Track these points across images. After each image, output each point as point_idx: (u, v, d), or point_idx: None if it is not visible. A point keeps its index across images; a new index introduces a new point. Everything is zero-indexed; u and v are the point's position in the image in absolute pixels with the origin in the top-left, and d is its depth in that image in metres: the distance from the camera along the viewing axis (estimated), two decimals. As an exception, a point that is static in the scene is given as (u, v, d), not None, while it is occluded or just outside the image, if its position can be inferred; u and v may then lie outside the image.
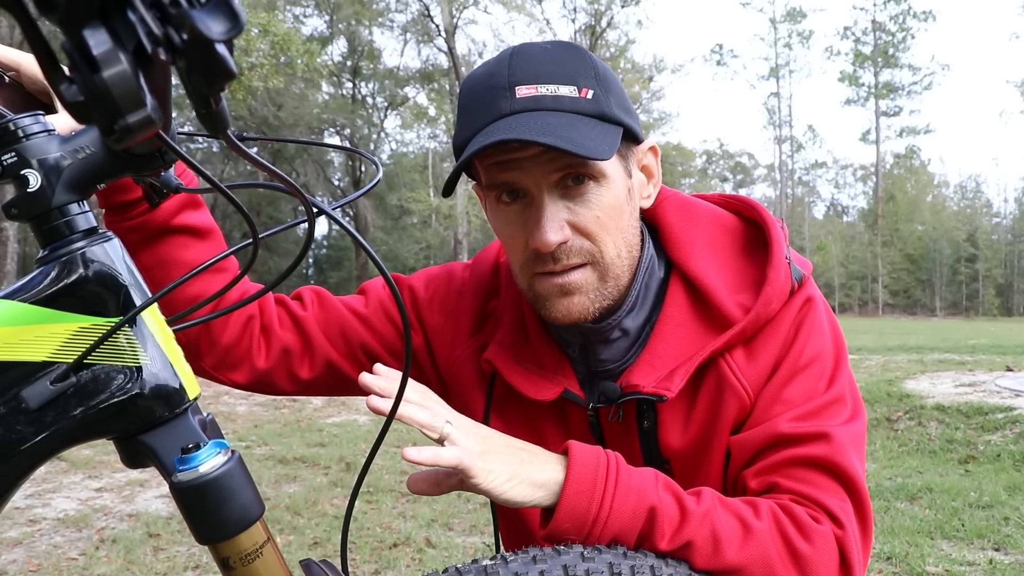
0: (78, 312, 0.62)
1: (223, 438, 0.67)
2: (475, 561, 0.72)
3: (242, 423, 6.79)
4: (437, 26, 25.61)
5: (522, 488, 0.77)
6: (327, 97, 28.76)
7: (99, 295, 0.63)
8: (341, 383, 1.08)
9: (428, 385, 1.09)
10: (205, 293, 0.98)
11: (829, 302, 0.99)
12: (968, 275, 52.30)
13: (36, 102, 0.86)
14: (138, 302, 0.64)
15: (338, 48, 30.90)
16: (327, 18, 28.66)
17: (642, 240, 0.95)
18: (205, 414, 0.69)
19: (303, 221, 0.66)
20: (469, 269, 1.09)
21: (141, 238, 0.96)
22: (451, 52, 24.69)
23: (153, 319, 0.66)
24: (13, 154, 0.62)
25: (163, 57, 0.35)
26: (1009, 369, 7.20)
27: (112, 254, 0.64)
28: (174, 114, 0.48)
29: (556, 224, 0.84)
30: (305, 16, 28.11)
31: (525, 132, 0.79)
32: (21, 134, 0.63)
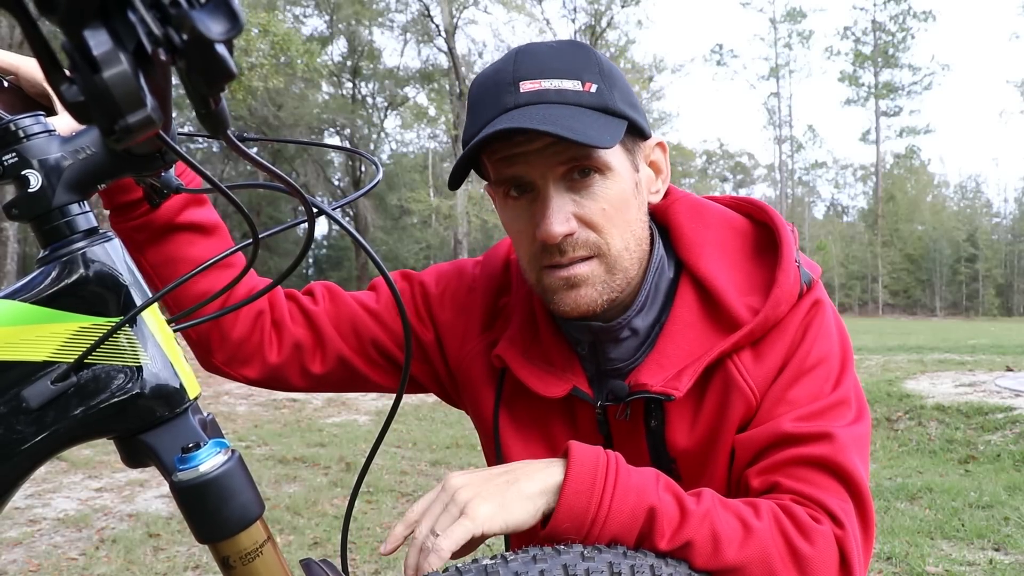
0: (78, 312, 0.63)
1: (223, 438, 0.67)
2: (475, 560, 0.72)
3: (242, 423, 6.79)
4: (437, 26, 25.61)
5: (519, 507, 0.77)
6: (327, 97, 28.77)
7: (99, 295, 0.63)
8: (352, 378, 1.08)
9: (438, 380, 1.10)
10: (213, 289, 0.98)
11: (829, 302, 0.99)
12: (968, 275, 52.30)
13: (35, 106, 0.86)
14: (138, 302, 0.64)
15: (338, 48, 30.94)
16: (327, 18, 28.68)
17: (652, 240, 0.95)
18: (205, 414, 0.69)
19: (303, 221, 0.67)
20: (480, 266, 1.10)
21: (147, 237, 0.96)
22: (451, 52, 24.70)
23: (153, 319, 0.66)
24: (14, 154, 0.62)
25: (163, 57, 0.35)
26: (1009, 369, 7.20)
27: (112, 254, 0.64)
28: (174, 114, 0.48)
29: (562, 216, 0.85)
30: (305, 16, 28.15)
31: (528, 122, 0.80)
32: (22, 134, 0.63)
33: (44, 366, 0.62)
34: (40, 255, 0.65)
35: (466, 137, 0.88)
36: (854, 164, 61.16)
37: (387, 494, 4.34)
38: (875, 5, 50.80)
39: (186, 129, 0.95)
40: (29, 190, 0.62)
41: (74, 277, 0.62)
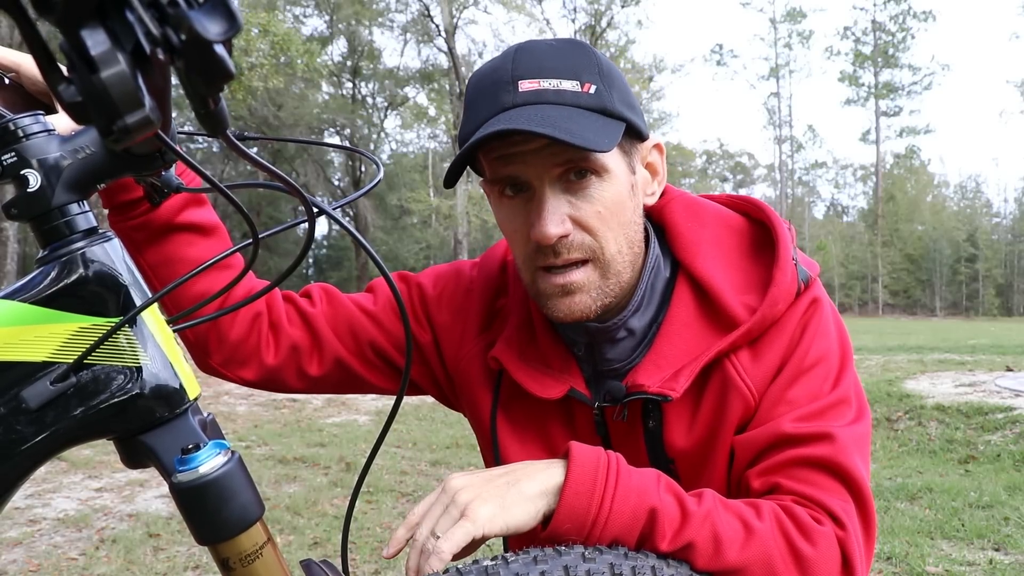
0: (78, 312, 0.62)
1: (223, 438, 0.67)
2: (476, 561, 0.72)
3: (242, 423, 6.78)
4: (437, 26, 25.61)
5: (521, 508, 0.77)
6: (327, 97, 28.77)
7: (99, 295, 0.63)
8: (350, 380, 1.08)
9: (436, 382, 1.10)
10: (211, 290, 0.98)
11: (829, 302, 0.99)
12: (968, 275, 52.29)
13: (36, 103, 0.86)
14: (138, 302, 0.64)
15: (338, 48, 30.93)
16: (327, 18, 28.67)
17: (647, 240, 0.95)
18: (205, 414, 0.69)
19: (303, 221, 0.66)
20: (477, 267, 1.09)
21: (146, 237, 0.96)
22: (451, 52, 24.69)
23: (153, 319, 0.66)
24: (13, 154, 0.62)
25: (161, 57, 0.35)
26: (1009, 369, 7.20)
27: (112, 254, 0.64)
28: (174, 114, 0.48)
29: (557, 217, 0.84)
30: (305, 16, 28.14)
31: (525, 123, 0.79)
32: (21, 134, 0.63)
33: (43, 366, 0.62)
34: (39, 255, 0.64)
35: (463, 134, 0.88)
36: (854, 164, 61.25)
37: (387, 494, 4.34)
38: (875, 5, 50.79)
39: (187, 129, 0.94)
40: (28, 190, 0.62)
41: (73, 277, 0.62)
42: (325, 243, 41.11)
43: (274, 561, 0.65)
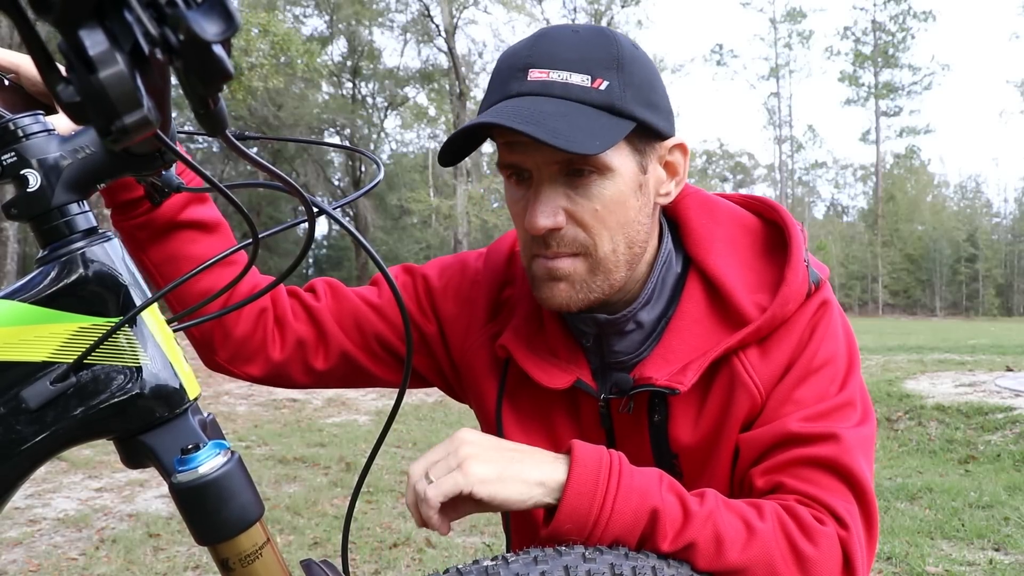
0: (78, 312, 0.62)
1: (224, 438, 0.67)
2: (476, 562, 0.72)
3: (242, 423, 6.78)
4: (437, 26, 25.59)
5: (516, 487, 0.77)
6: (327, 97, 28.76)
7: (99, 295, 0.63)
8: (356, 374, 1.08)
9: (442, 373, 1.10)
10: (215, 287, 0.99)
11: (830, 302, 0.99)
12: (968, 275, 52.28)
13: (37, 104, 0.86)
14: (138, 302, 0.64)
15: (338, 48, 30.91)
16: (327, 18, 28.66)
17: (661, 234, 0.95)
18: (206, 414, 0.69)
19: (303, 221, 0.66)
20: (483, 258, 1.10)
21: (149, 235, 0.96)
22: (451, 52, 24.68)
23: (153, 319, 0.66)
24: (13, 154, 0.62)
25: (160, 58, 0.35)
26: (1009, 369, 7.19)
27: (112, 254, 0.64)
28: (174, 114, 0.47)
29: (549, 210, 0.84)
30: (305, 16, 28.12)
31: (508, 119, 0.79)
32: (21, 134, 0.63)
33: (43, 366, 0.62)
34: (39, 255, 0.64)
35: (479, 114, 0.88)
36: (854, 164, 61.22)
37: (387, 494, 4.34)
38: (875, 5, 50.78)
39: (187, 129, 0.94)
40: (28, 190, 0.62)
41: (73, 277, 0.62)
42: (325, 243, 41.14)
43: (274, 561, 0.65)
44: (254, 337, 1.03)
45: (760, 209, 1.00)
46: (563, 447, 0.83)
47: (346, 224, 0.71)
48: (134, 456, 0.66)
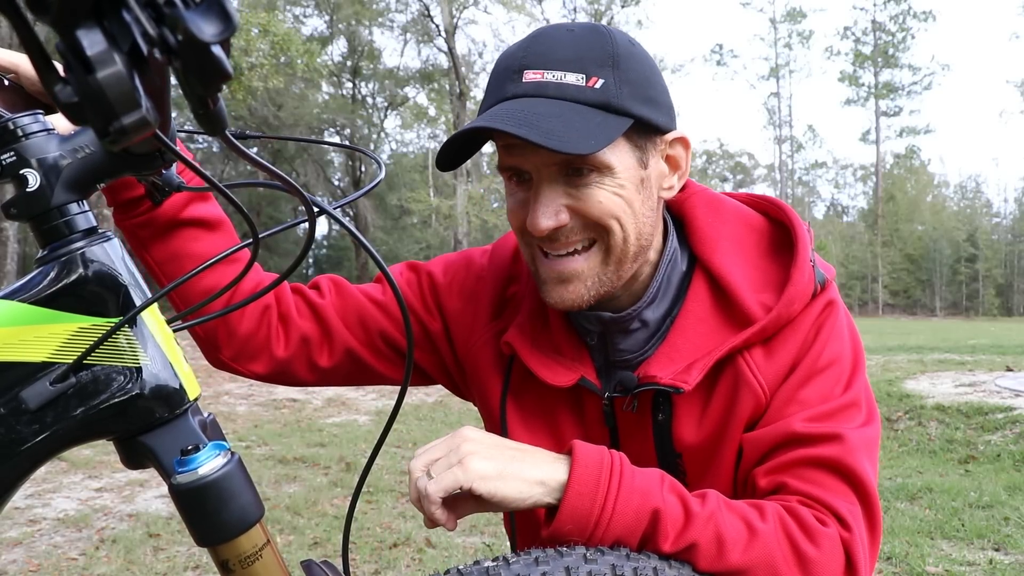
0: (78, 312, 0.62)
1: (224, 439, 0.67)
2: (477, 562, 0.72)
3: (242, 423, 6.78)
4: (437, 26, 25.57)
5: (516, 485, 0.77)
6: (327, 97, 28.74)
7: (99, 295, 0.63)
8: (360, 371, 1.08)
9: (446, 370, 1.10)
10: (219, 285, 0.99)
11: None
12: (968, 275, 52.26)
13: (36, 103, 0.86)
14: (138, 302, 0.64)
15: (338, 48, 30.89)
16: (327, 18, 28.64)
17: (666, 232, 0.95)
18: (206, 414, 0.69)
19: (303, 221, 0.66)
20: (488, 255, 1.10)
21: (151, 233, 0.96)
22: (451, 52, 24.66)
23: (153, 319, 0.66)
24: (12, 153, 0.62)
25: (158, 58, 0.35)
26: (1009, 369, 7.19)
27: (112, 254, 0.64)
28: (174, 114, 0.47)
29: (550, 210, 0.84)
30: (305, 16, 28.10)
31: (501, 122, 0.79)
32: (20, 133, 0.63)
33: (43, 367, 0.61)
34: (39, 255, 0.64)
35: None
36: (854, 164, 61.19)
37: (387, 494, 4.34)
38: (875, 5, 50.75)
39: (187, 128, 0.94)
40: (28, 189, 0.62)
41: (73, 277, 0.62)
42: (325, 243, 41.14)
43: (273, 562, 0.65)
44: (258, 334, 1.03)
45: (766, 208, 0.99)
46: (566, 445, 0.83)
47: (346, 224, 0.71)
48: (134, 457, 0.66)
